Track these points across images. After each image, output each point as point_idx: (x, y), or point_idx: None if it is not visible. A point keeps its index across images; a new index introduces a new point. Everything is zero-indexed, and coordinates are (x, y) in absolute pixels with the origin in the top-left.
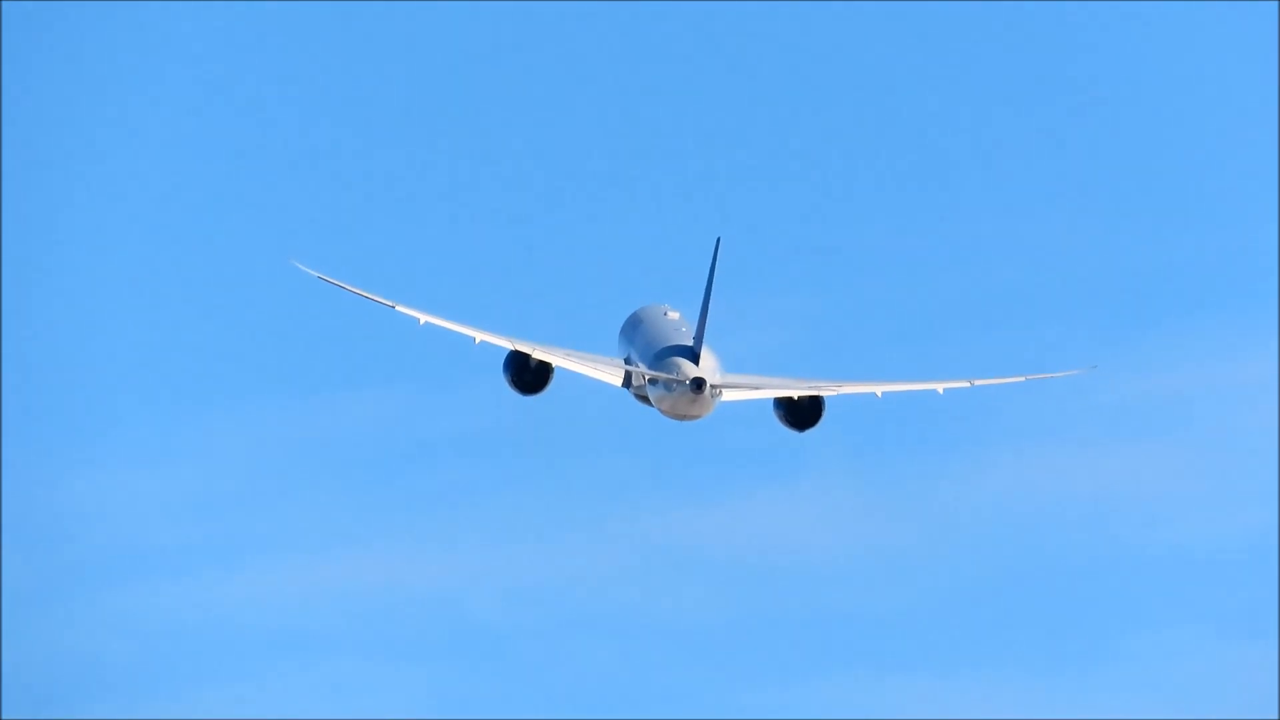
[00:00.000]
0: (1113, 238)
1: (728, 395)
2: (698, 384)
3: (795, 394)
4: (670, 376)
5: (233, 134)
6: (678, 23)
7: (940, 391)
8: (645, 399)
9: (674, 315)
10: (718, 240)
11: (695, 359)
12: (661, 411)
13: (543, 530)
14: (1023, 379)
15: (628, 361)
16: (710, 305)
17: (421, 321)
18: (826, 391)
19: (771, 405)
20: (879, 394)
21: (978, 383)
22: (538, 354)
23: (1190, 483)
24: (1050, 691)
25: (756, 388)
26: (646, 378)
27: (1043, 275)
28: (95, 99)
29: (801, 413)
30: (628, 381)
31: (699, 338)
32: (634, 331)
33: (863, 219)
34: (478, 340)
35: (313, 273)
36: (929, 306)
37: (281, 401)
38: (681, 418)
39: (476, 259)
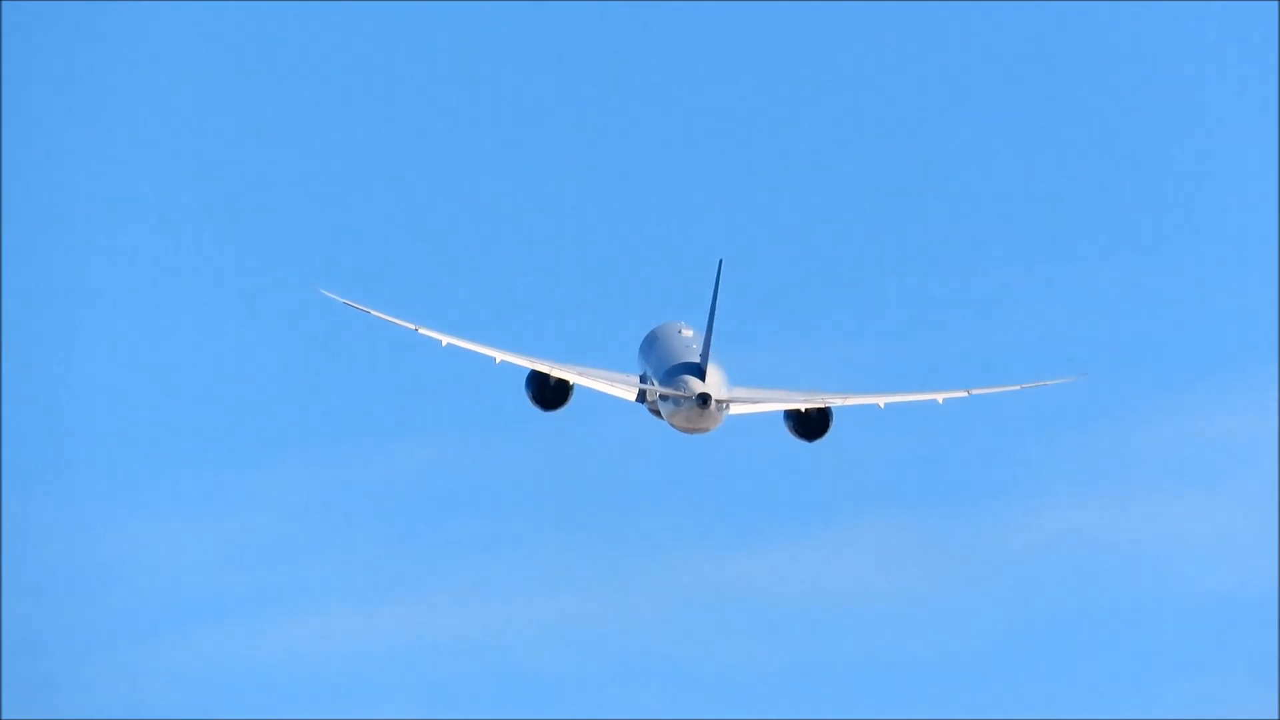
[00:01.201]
0: (1110, 241)
1: (735, 409)
2: (703, 399)
3: (801, 406)
4: (678, 392)
5: (233, 135)
6: (700, 35)
7: (940, 401)
8: (659, 413)
9: (688, 333)
10: (720, 262)
11: (702, 375)
12: (673, 425)
13: (575, 576)
14: (1018, 387)
15: (643, 379)
16: (714, 324)
17: (444, 343)
18: (831, 403)
19: (782, 417)
20: (881, 405)
21: (975, 392)
22: (556, 373)
23: (1193, 530)
24: None
25: (762, 401)
26: (658, 394)
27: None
28: (95, 99)
29: (810, 424)
30: (642, 397)
31: (705, 355)
32: (650, 349)
33: (866, 237)
34: (499, 360)
35: (339, 298)
36: (925, 320)
37: (301, 445)
38: (691, 431)
39: (500, 280)
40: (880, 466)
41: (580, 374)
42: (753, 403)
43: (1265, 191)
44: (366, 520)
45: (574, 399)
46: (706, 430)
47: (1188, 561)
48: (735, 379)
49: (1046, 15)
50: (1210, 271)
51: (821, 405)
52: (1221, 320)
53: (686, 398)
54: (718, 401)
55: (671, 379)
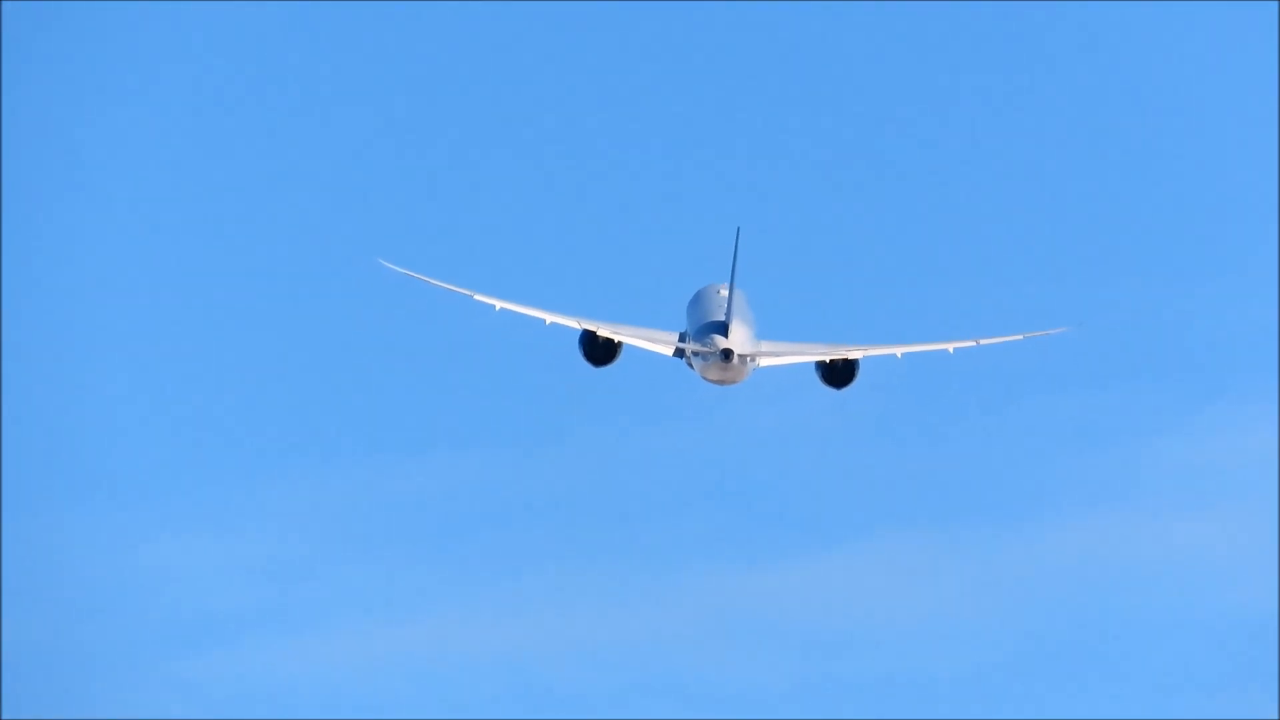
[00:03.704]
0: (1107, 239)
1: (765, 361)
2: (726, 354)
3: (825, 358)
4: (705, 349)
5: (234, 134)
6: (738, 20)
7: (951, 351)
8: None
9: (724, 292)
10: (738, 230)
11: (725, 332)
12: (705, 379)
13: (605, 593)
14: (1020, 337)
15: (682, 337)
16: (735, 285)
17: (498, 308)
18: (852, 355)
19: (813, 368)
20: (899, 355)
21: (983, 342)
22: (604, 332)
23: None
24: None
25: (788, 354)
26: (690, 350)
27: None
28: (95, 99)
29: (838, 374)
30: (680, 353)
31: (729, 313)
32: (693, 308)
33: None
34: (548, 322)
35: (398, 269)
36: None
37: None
38: (721, 383)
39: (551, 245)
40: (885, 477)
41: (626, 333)
42: (778, 356)
43: (1266, 200)
44: (401, 533)
45: (621, 356)
46: (735, 382)
47: (1189, 580)
48: (767, 334)
49: (1046, 16)
50: (1210, 285)
51: (844, 356)
52: (1223, 336)
53: (711, 353)
54: (740, 356)
55: (701, 336)
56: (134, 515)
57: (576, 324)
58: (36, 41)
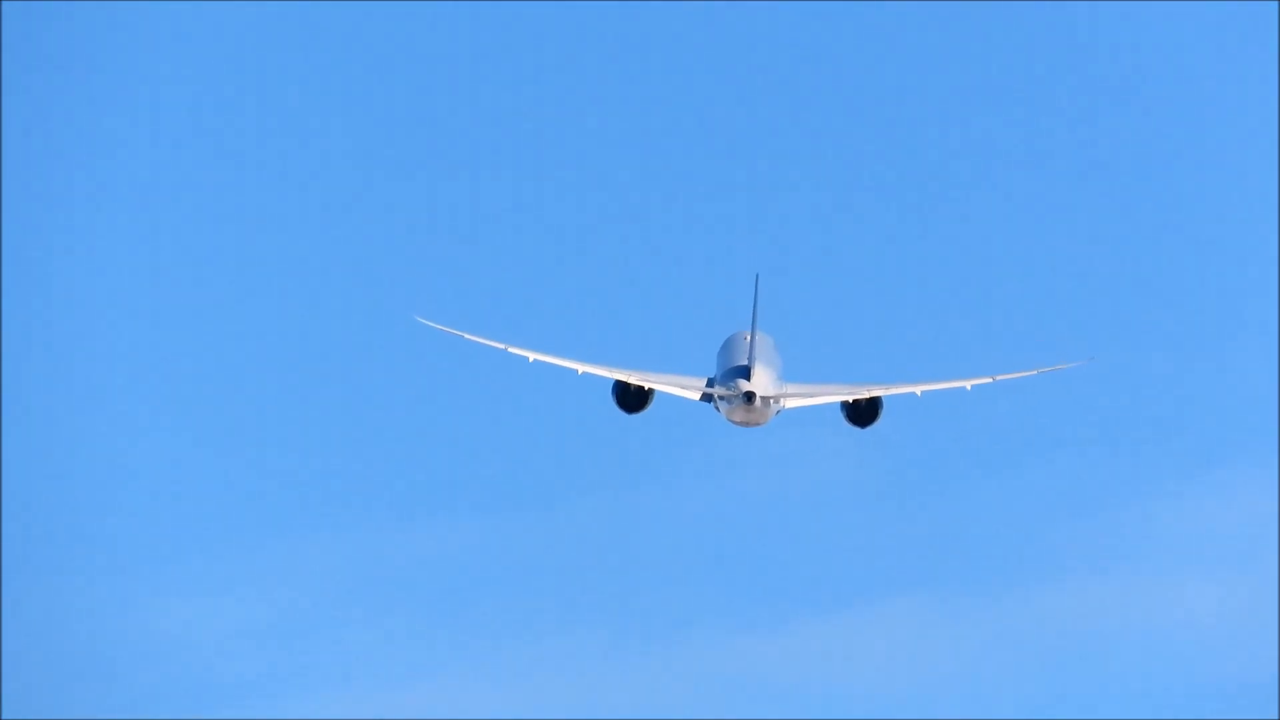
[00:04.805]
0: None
1: (791, 402)
2: (748, 397)
3: (849, 397)
4: (729, 392)
5: (235, 136)
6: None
7: (968, 388)
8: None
9: (750, 337)
10: (756, 277)
11: (748, 376)
12: (731, 422)
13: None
14: (1035, 372)
15: (709, 382)
16: (756, 330)
17: (530, 359)
18: (875, 393)
19: (838, 408)
20: (919, 393)
21: (1000, 378)
22: (634, 380)
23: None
24: None
25: (810, 395)
26: (717, 394)
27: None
28: (95, 99)
29: (862, 413)
30: (708, 398)
31: (751, 357)
32: (722, 353)
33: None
34: (580, 372)
35: (437, 325)
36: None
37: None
38: (746, 425)
39: (585, 295)
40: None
41: (656, 380)
42: (804, 397)
43: (1266, 208)
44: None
45: (652, 402)
46: (759, 424)
47: (1190, 645)
48: (792, 376)
49: (1045, 16)
50: (1211, 349)
51: (866, 396)
52: (1222, 400)
53: (735, 396)
54: (763, 398)
55: (726, 380)
56: (143, 565)
57: (608, 373)
58: (36, 41)
